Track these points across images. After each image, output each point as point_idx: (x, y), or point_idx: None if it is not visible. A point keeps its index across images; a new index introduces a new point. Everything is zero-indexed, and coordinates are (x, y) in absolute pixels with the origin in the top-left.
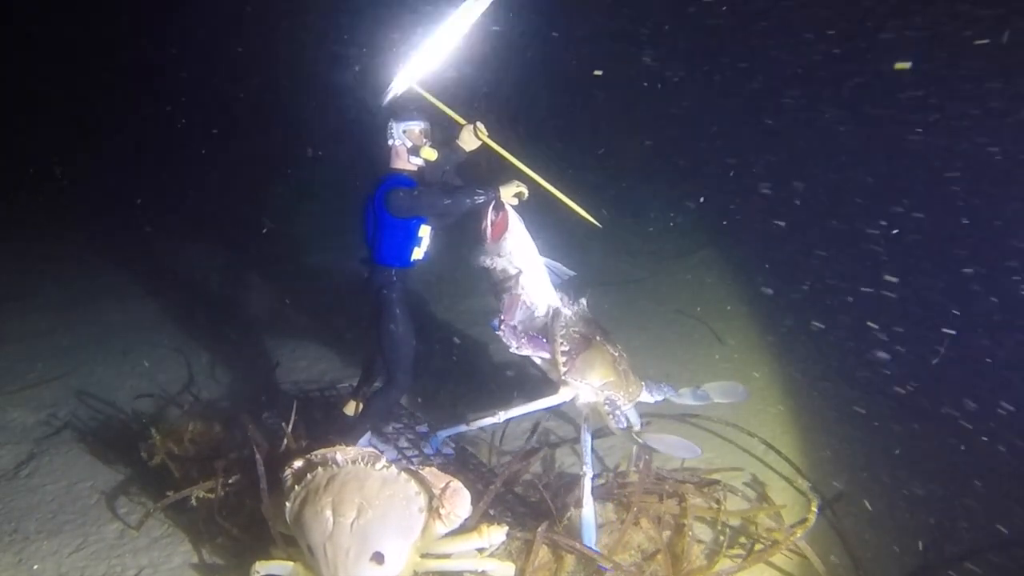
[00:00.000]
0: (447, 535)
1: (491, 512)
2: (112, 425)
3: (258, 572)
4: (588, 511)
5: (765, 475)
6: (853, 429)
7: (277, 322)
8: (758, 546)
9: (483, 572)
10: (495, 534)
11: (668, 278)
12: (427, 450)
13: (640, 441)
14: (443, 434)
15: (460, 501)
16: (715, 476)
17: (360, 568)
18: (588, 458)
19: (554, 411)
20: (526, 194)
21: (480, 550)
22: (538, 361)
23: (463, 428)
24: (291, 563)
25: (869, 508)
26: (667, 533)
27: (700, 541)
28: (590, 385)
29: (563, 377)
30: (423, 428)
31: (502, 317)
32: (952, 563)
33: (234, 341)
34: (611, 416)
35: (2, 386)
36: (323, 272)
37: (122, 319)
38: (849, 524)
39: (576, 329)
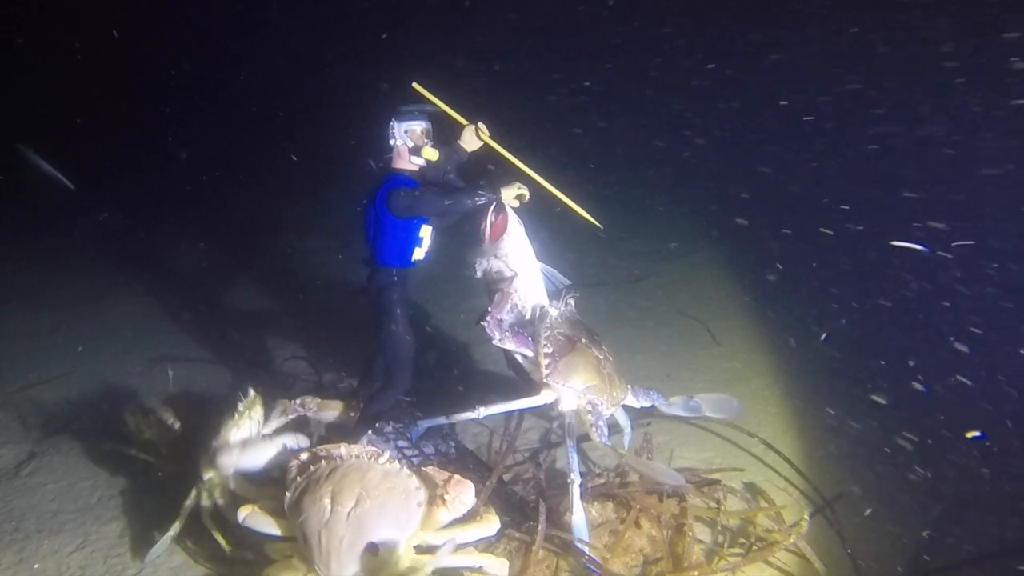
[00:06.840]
0: (449, 525)
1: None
2: (113, 424)
3: None
4: (579, 517)
5: (765, 475)
6: (853, 430)
7: (278, 322)
8: (756, 546)
9: (479, 568)
10: (491, 524)
11: (668, 278)
12: (427, 449)
13: (621, 460)
14: (424, 424)
15: (465, 489)
16: (715, 476)
17: (353, 557)
18: (574, 465)
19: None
20: (527, 196)
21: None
22: (519, 359)
23: (442, 421)
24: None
25: (869, 508)
26: (667, 532)
27: (700, 541)
28: (572, 388)
29: (545, 380)
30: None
31: (489, 309)
32: (952, 565)
33: (235, 341)
34: (594, 428)
35: (3, 386)
36: (324, 272)
37: (122, 319)
38: (849, 524)
39: (561, 331)
